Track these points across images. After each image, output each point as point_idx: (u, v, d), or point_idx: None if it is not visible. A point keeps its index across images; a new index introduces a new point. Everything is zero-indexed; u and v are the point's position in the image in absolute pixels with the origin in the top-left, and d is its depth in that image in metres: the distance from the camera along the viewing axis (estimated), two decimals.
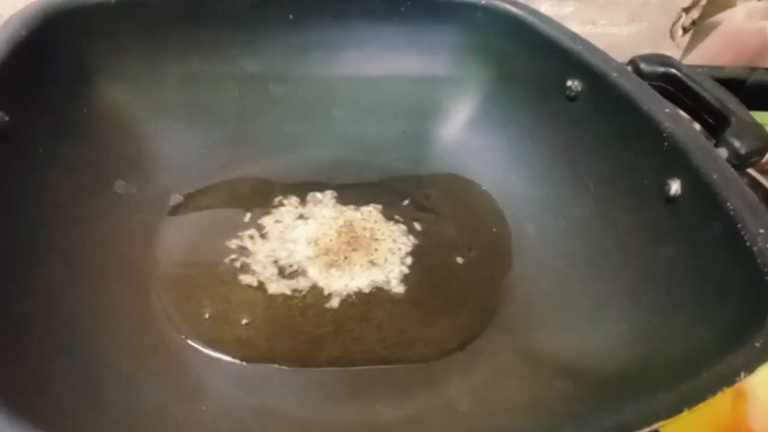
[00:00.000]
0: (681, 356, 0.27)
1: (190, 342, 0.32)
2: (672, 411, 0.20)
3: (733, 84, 0.35)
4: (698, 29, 0.57)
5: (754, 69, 0.58)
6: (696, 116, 0.36)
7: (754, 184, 0.43)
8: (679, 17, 0.55)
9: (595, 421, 0.20)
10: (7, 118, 0.31)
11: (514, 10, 0.40)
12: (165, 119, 0.40)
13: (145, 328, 0.32)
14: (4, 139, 0.30)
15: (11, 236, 0.30)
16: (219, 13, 0.40)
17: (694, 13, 0.55)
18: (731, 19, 0.57)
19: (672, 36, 0.56)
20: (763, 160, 0.35)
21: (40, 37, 0.34)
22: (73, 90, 0.37)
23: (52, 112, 0.35)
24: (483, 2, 0.41)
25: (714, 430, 0.32)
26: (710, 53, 0.59)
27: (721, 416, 0.33)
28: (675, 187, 0.31)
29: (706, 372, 0.22)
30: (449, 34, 0.42)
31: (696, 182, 0.31)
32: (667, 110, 0.33)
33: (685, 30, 0.56)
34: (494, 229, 0.39)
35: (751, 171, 0.43)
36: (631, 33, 0.55)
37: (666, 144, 0.32)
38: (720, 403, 0.33)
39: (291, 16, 0.41)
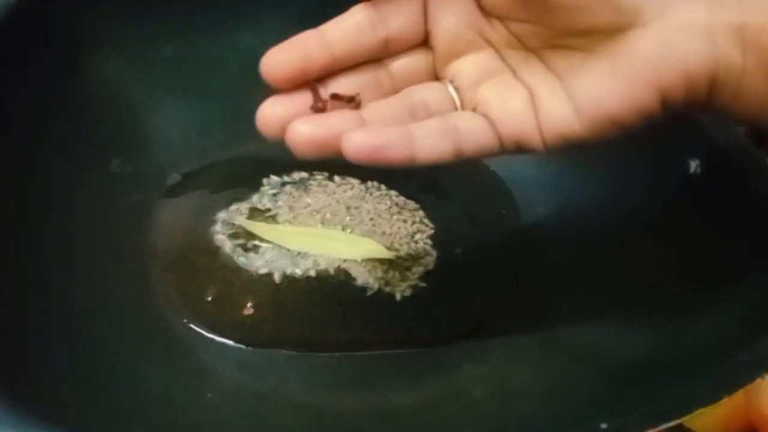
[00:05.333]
0: (705, 341, 0.26)
1: (192, 326, 0.31)
2: (711, 397, 0.19)
3: None
4: None
5: None
6: None
7: None
8: None
9: (631, 408, 0.19)
10: None
11: None
12: (161, 95, 0.38)
13: (145, 312, 0.31)
14: None
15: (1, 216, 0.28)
16: None
17: None
18: None
19: None
20: None
21: (32, 8, 0.33)
22: (66, 64, 0.35)
23: (44, 86, 0.33)
24: None
25: (727, 419, 0.31)
26: None
27: (734, 405, 0.32)
28: (693, 165, 0.31)
29: (741, 356, 0.21)
30: None
31: (715, 161, 0.30)
32: None
33: None
34: (503, 211, 0.38)
35: None
36: None
37: (684, 121, 0.31)
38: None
39: None
